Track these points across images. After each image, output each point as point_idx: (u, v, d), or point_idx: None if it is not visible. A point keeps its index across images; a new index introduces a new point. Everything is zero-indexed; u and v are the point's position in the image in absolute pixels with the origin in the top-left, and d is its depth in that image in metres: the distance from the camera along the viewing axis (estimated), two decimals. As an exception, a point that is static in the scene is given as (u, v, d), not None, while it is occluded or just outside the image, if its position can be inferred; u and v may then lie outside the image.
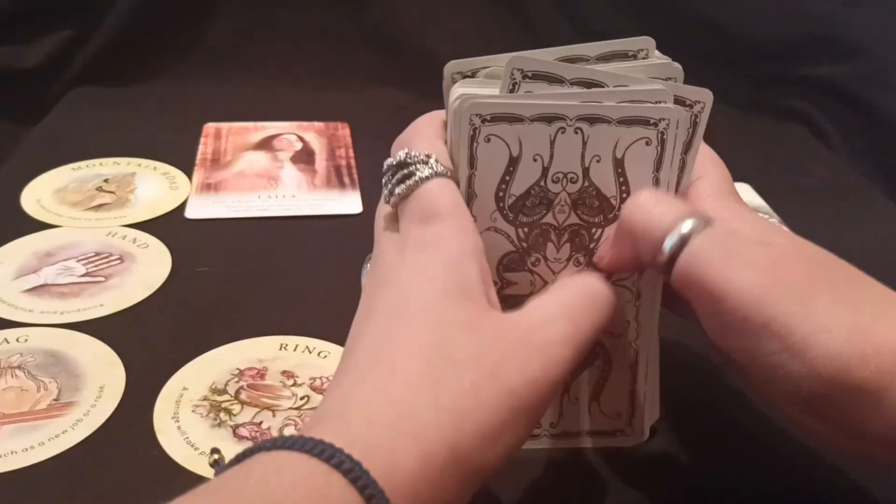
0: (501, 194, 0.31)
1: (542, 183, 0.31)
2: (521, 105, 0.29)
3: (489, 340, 0.27)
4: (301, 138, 0.67)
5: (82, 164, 0.60)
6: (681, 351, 0.41)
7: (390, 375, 0.26)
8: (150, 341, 0.43)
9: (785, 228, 0.31)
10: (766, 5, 0.76)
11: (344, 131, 0.69)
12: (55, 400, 0.38)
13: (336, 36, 0.77)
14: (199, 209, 0.56)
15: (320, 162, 0.63)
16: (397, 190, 0.30)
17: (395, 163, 0.31)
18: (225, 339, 0.43)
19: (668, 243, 0.28)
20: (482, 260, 0.29)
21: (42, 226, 0.52)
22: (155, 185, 0.58)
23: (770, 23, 0.76)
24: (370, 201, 0.58)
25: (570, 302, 0.29)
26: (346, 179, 0.61)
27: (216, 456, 0.30)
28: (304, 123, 0.70)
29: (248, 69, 0.75)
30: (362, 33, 0.77)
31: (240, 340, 0.43)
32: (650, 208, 0.30)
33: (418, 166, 0.30)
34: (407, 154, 0.30)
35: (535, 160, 0.30)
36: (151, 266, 0.49)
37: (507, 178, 0.31)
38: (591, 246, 0.32)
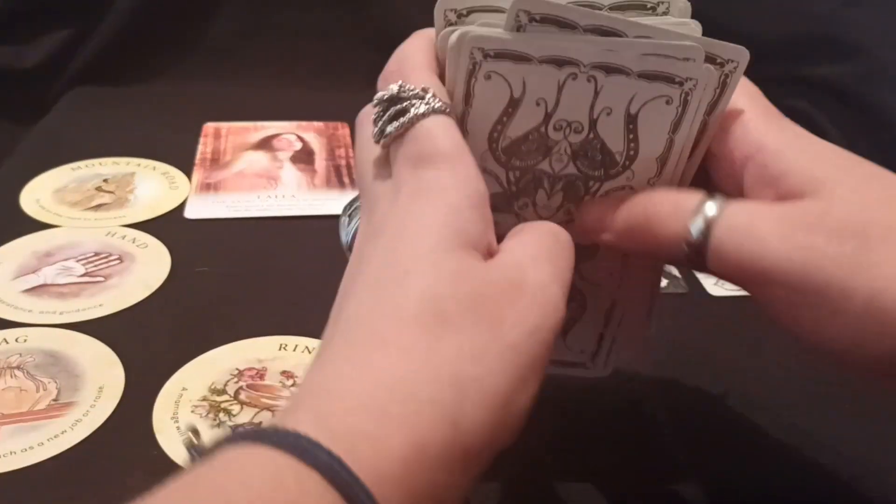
0: (496, 135, 0.29)
1: (543, 129, 0.28)
2: (531, 44, 0.26)
3: (482, 290, 0.23)
4: (301, 138, 0.67)
5: (81, 163, 0.60)
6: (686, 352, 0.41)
7: (377, 345, 0.22)
8: (149, 341, 0.43)
9: (844, 153, 0.28)
10: (766, 5, 0.76)
11: (344, 131, 0.69)
12: (54, 400, 0.38)
13: (335, 36, 0.77)
14: (198, 209, 0.56)
15: (320, 162, 0.63)
16: (389, 128, 0.26)
17: (386, 97, 0.27)
18: (224, 339, 0.43)
19: (694, 230, 0.26)
20: (486, 208, 0.26)
21: (41, 226, 0.52)
22: (154, 185, 0.58)
23: (770, 22, 0.76)
24: None
25: (546, 243, 0.26)
26: (346, 179, 0.61)
27: (192, 437, 0.25)
28: (304, 123, 0.69)
29: (247, 69, 0.75)
30: (362, 33, 0.77)
31: (239, 340, 0.43)
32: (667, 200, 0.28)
33: (414, 101, 0.26)
34: (401, 87, 0.27)
35: (537, 104, 0.28)
36: (151, 266, 0.49)
37: (505, 119, 0.28)
38: (585, 198, 0.30)
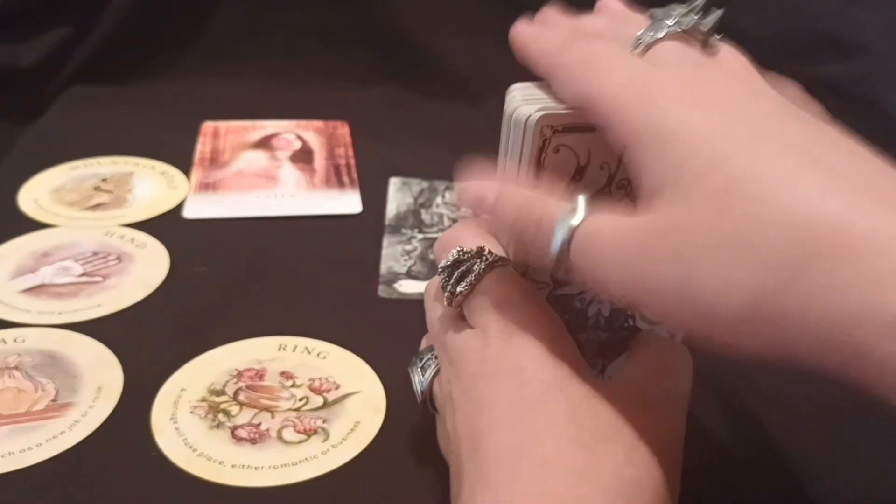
0: None
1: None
2: None
3: (618, 408, 0.26)
4: (300, 137, 0.67)
5: (79, 163, 0.60)
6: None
7: (543, 466, 0.24)
8: (148, 342, 0.43)
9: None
10: (766, 4, 0.76)
11: (343, 130, 0.68)
12: (53, 401, 0.38)
13: (335, 35, 0.77)
14: (197, 209, 0.56)
15: (319, 161, 0.63)
16: (459, 288, 0.30)
17: (448, 263, 0.30)
18: (223, 339, 0.43)
19: (553, 246, 0.26)
20: (566, 333, 0.29)
21: (39, 225, 0.52)
22: (153, 185, 0.58)
23: (771, 21, 0.76)
24: (370, 201, 0.57)
25: (661, 359, 0.30)
26: (346, 179, 0.61)
27: None
28: (303, 122, 0.69)
29: (246, 68, 0.75)
30: (362, 32, 0.77)
31: (238, 341, 0.43)
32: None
33: (474, 261, 0.30)
34: (459, 251, 0.30)
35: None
36: (149, 266, 0.49)
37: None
38: None
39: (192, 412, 0.38)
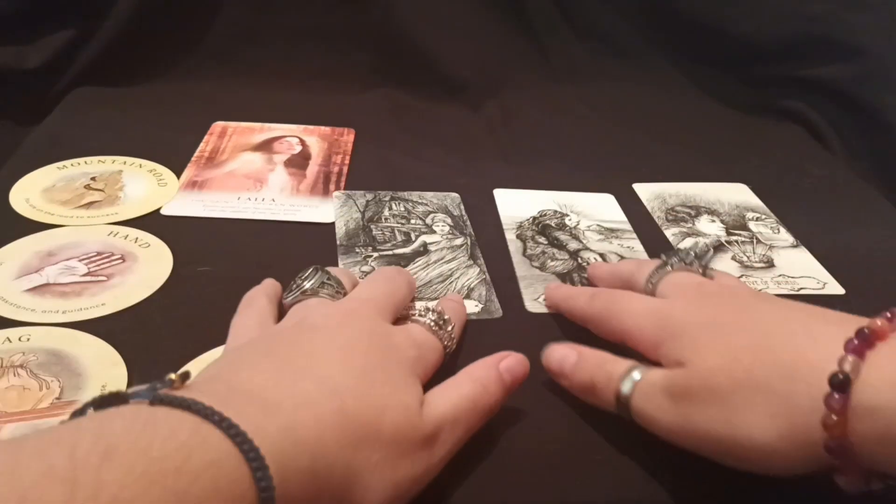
0: None
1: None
2: None
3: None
4: (302, 142, 0.67)
5: (67, 162, 0.61)
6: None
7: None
8: (151, 340, 0.43)
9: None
10: (765, 7, 0.76)
11: (348, 137, 0.68)
12: (57, 398, 0.39)
13: (337, 39, 0.77)
14: (176, 206, 0.56)
15: (313, 167, 0.63)
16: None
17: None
18: (226, 338, 0.43)
19: (619, 400, 0.36)
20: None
21: (35, 224, 0.52)
22: (142, 183, 0.59)
23: (769, 24, 0.76)
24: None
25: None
26: (332, 186, 0.60)
27: (173, 376, 0.29)
28: (311, 127, 0.69)
29: (249, 70, 0.76)
30: (363, 36, 0.77)
31: (241, 340, 0.43)
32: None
33: None
34: None
35: None
36: (153, 265, 0.49)
37: None
38: None
39: (195, 410, 0.38)
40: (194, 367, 0.41)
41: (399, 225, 0.55)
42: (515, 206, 0.59)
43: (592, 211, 0.59)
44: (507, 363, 0.37)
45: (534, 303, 0.48)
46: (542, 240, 0.55)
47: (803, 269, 0.54)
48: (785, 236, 0.58)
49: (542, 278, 0.50)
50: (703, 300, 0.38)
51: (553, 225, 0.57)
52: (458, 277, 0.50)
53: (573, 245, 0.54)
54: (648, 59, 0.80)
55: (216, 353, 0.42)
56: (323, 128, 0.69)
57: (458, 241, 0.54)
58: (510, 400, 0.38)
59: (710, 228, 0.58)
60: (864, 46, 0.72)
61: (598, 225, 0.57)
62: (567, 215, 0.58)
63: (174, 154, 0.62)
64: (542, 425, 0.39)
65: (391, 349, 0.35)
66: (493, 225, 0.57)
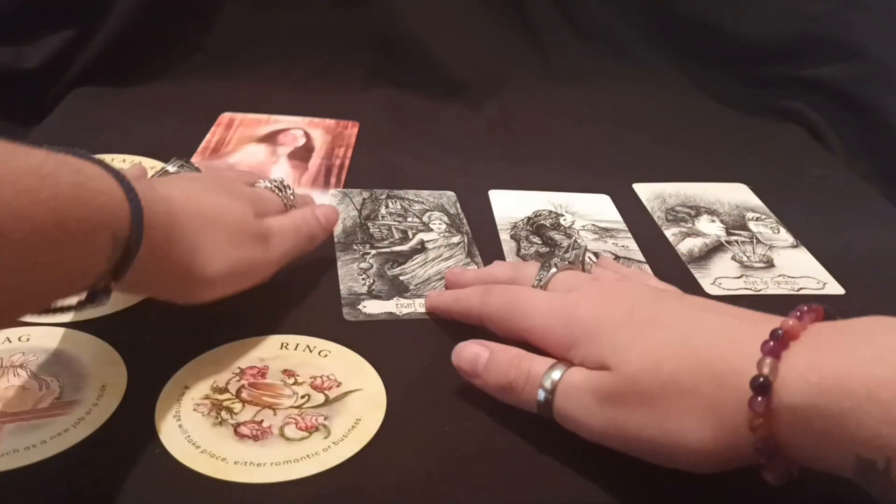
0: None
1: None
2: None
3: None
4: (307, 134, 0.67)
5: None
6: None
7: None
8: (151, 340, 0.43)
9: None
10: (765, 7, 0.76)
11: (352, 130, 0.69)
12: (57, 398, 0.39)
13: (337, 38, 0.77)
14: None
15: (315, 160, 0.63)
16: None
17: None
18: (226, 338, 0.43)
19: (540, 398, 0.36)
20: None
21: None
22: None
23: (768, 24, 0.76)
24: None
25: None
26: (333, 179, 0.61)
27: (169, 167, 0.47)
28: (316, 120, 0.70)
29: (249, 70, 0.76)
30: (363, 35, 0.77)
31: (241, 339, 0.43)
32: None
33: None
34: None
35: None
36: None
37: None
38: None
39: (195, 410, 0.38)
40: (195, 367, 0.41)
41: (396, 223, 0.55)
42: (510, 206, 0.59)
43: (588, 211, 0.59)
44: (323, 209, 0.49)
45: None
46: (536, 240, 0.55)
47: (803, 269, 0.54)
48: (785, 236, 0.58)
49: None
50: (610, 298, 0.37)
51: (548, 225, 0.57)
52: None
53: (583, 245, 0.54)
54: (648, 59, 0.80)
55: (216, 352, 0.42)
56: (328, 121, 0.70)
57: (456, 239, 0.54)
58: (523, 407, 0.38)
59: (710, 228, 0.58)
60: (864, 46, 0.72)
61: (593, 225, 0.57)
62: (562, 215, 0.58)
63: (175, 153, 0.62)
64: (541, 425, 0.39)
65: (234, 186, 0.46)
66: (489, 224, 0.57)
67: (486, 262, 0.52)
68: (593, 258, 0.53)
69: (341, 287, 0.48)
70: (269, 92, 0.74)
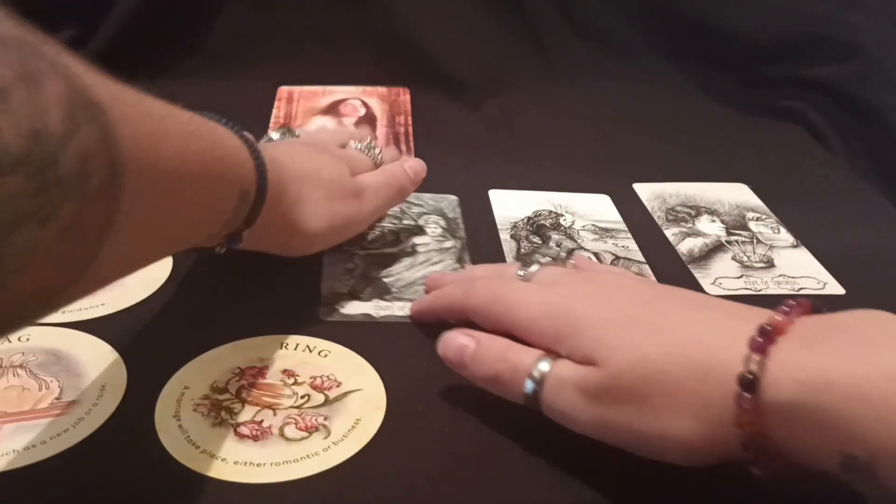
0: None
1: None
2: None
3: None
4: (365, 104, 0.70)
5: None
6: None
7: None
8: (151, 340, 0.43)
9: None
10: (765, 7, 0.76)
11: (405, 97, 0.72)
12: (57, 398, 0.39)
13: (337, 38, 0.77)
14: None
15: (381, 129, 0.66)
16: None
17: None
18: (225, 338, 0.43)
19: (527, 390, 0.35)
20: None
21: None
22: None
23: (768, 24, 0.76)
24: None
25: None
26: (403, 147, 0.64)
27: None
28: (368, 88, 0.74)
29: (249, 70, 0.76)
30: (363, 35, 0.77)
31: (240, 339, 0.43)
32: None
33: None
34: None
35: None
36: (152, 266, 0.49)
37: None
38: None
39: (195, 410, 0.38)
40: (195, 367, 0.41)
41: (391, 225, 0.55)
42: (510, 206, 0.59)
43: (587, 211, 0.59)
44: (410, 163, 0.52)
45: None
46: (536, 240, 0.55)
47: (803, 269, 0.54)
48: (785, 236, 0.58)
49: None
50: (597, 291, 0.37)
51: (548, 225, 0.57)
52: None
53: (567, 244, 0.54)
54: (648, 59, 0.80)
55: (216, 352, 0.42)
56: (380, 88, 0.74)
57: (448, 244, 0.54)
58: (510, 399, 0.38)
59: (711, 228, 0.58)
60: (864, 46, 0.73)
61: (593, 225, 0.57)
62: (562, 215, 0.58)
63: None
64: (540, 425, 0.39)
65: (327, 150, 0.49)
66: (490, 224, 0.57)
67: (483, 263, 0.52)
68: (592, 257, 0.53)
69: (322, 286, 0.48)
70: (269, 91, 0.74)
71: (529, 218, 0.58)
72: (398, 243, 0.53)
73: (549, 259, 0.42)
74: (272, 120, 0.67)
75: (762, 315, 0.31)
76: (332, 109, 0.69)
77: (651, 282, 0.43)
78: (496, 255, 0.53)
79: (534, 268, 0.41)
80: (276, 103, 0.70)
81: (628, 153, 0.69)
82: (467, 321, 0.40)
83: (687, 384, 0.31)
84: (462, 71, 0.77)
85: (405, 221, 0.55)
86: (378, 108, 0.69)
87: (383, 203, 0.50)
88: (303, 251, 0.46)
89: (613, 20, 0.80)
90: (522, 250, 0.54)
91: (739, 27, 0.76)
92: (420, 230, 0.55)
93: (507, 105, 0.76)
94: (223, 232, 0.39)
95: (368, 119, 0.68)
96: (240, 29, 0.76)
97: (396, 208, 0.56)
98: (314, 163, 0.46)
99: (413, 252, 0.52)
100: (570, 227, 0.57)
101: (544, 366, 0.35)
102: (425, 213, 0.57)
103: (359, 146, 0.52)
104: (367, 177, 0.49)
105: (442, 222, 0.56)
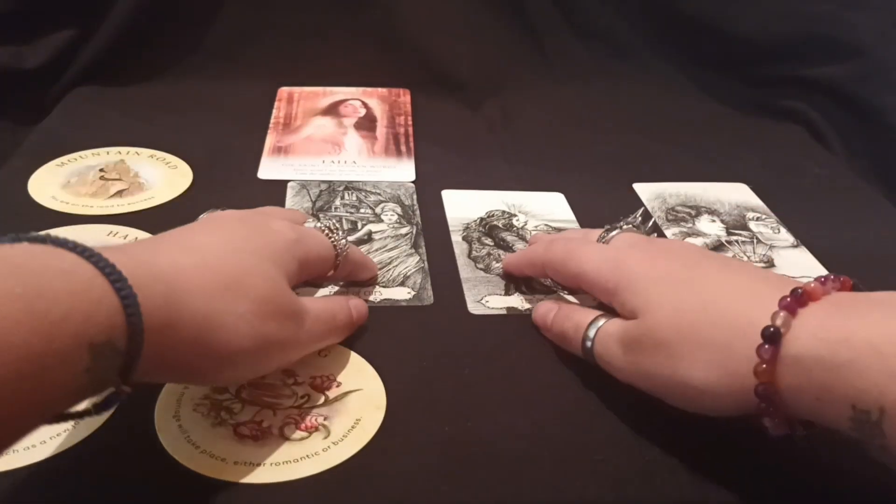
0: None
1: None
2: None
3: None
4: (365, 105, 0.71)
5: (64, 158, 0.61)
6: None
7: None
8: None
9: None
10: (765, 7, 0.76)
11: (405, 98, 0.72)
12: (57, 398, 0.38)
13: (337, 37, 0.77)
14: (269, 171, 0.61)
15: (381, 129, 0.67)
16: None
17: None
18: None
19: (585, 347, 0.40)
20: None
21: (73, 218, 0.53)
22: (152, 169, 0.60)
23: (769, 24, 0.76)
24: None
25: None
26: (403, 147, 0.64)
27: None
28: (369, 89, 0.74)
29: (249, 69, 0.76)
30: (363, 35, 0.77)
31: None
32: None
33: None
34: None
35: None
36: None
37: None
38: None
39: (194, 410, 0.38)
40: (194, 367, 0.41)
41: (348, 214, 0.56)
42: (463, 207, 0.59)
43: (541, 210, 0.59)
44: (354, 302, 0.44)
45: (477, 304, 0.48)
46: (488, 241, 0.54)
47: (803, 268, 0.54)
48: (785, 236, 0.58)
49: (486, 280, 0.50)
50: (657, 255, 0.40)
51: (500, 226, 0.56)
52: (397, 266, 0.51)
53: (519, 246, 0.54)
54: (648, 59, 0.80)
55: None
56: (380, 89, 0.74)
57: (404, 231, 0.54)
58: (510, 399, 0.38)
59: (711, 228, 0.58)
60: (864, 46, 0.72)
61: (545, 225, 0.57)
62: (515, 216, 0.58)
63: (177, 152, 0.62)
64: (541, 425, 0.39)
65: (267, 231, 0.39)
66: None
67: (433, 254, 0.52)
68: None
69: None
70: (270, 91, 0.74)
71: (482, 219, 0.57)
72: (354, 231, 0.54)
73: (632, 225, 0.45)
74: (272, 120, 0.67)
75: (798, 282, 0.33)
76: (333, 110, 0.69)
77: (708, 251, 0.46)
78: (448, 258, 0.52)
79: (615, 233, 0.44)
80: (276, 104, 0.71)
81: (628, 153, 0.69)
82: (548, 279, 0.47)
83: (715, 337, 0.34)
84: (462, 71, 0.77)
85: (362, 210, 0.56)
86: (378, 109, 0.70)
87: (323, 336, 0.41)
88: (223, 380, 0.38)
89: (613, 20, 0.80)
90: (474, 252, 0.53)
91: (740, 27, 0.76)
92: (377, 218, 0.55)
93: (507, 105, 0.76)
94: (78, 401, 0.28)
95: (369, 120, 0.68)
96: (240, 29, 0.76)
97: (353, 197, 0.57)
98: (237, 266, 0.35)
99: (370, 239, 0.53)
100: (522, 228, 0.56)
101: (599, 323, 0.40)
102: (382, 202, 0.58)
103: (317, 225, 0.43)
104: (308, 301, 0.39)
105: (398, 209, 0.57)
